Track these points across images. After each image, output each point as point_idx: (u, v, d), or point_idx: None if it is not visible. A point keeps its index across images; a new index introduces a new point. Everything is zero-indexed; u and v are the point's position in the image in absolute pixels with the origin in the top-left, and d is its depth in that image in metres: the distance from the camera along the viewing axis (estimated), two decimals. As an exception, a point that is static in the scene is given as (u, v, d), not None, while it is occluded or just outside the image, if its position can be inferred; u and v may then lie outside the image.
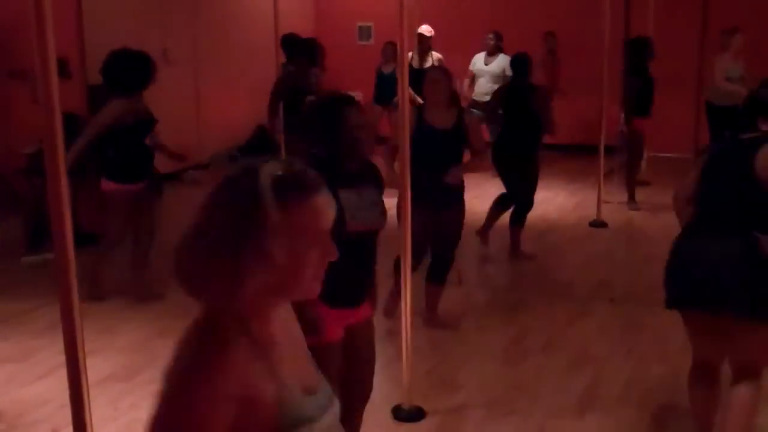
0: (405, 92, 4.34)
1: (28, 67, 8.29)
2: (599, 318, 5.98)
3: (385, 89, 10.81)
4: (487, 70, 10.76)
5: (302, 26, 13.34)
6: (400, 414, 4.46)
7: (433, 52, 10.31)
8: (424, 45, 10.25)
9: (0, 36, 8.54)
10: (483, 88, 10.63)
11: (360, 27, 14.21)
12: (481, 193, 8.34)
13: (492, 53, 10.78)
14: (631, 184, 9.18)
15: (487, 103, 9.22)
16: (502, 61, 10.49)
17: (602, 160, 8.55)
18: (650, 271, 6.97)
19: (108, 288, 6.30)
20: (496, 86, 10.45)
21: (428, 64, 10.01)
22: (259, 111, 11.60)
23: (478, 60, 10.94)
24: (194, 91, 11.58)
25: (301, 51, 8.03)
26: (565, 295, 6.49)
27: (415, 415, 4.48)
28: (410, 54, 10.25)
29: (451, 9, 13.09)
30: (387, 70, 10.92)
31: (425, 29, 10.29)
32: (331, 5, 14.31)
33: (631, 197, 9.13)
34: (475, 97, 10.71)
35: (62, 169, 2.52)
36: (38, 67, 2.45)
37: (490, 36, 10.78)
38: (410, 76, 9.93)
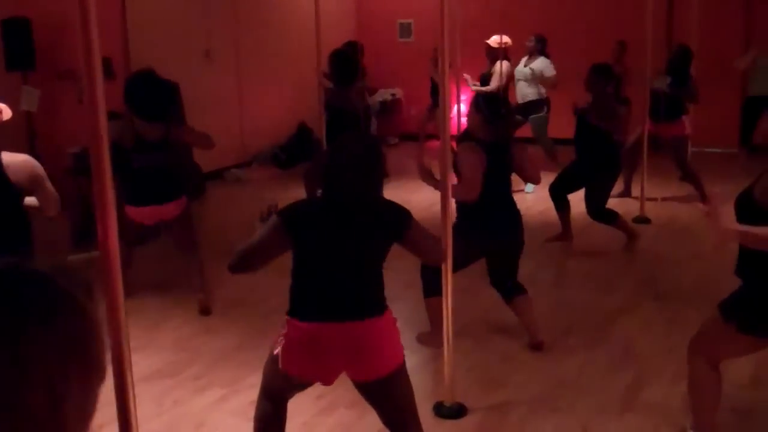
0: (445, 95, 4.29)
1: (74, 68, 8.46)
2: (643, 315, 5.93)
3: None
4: (520, 70, 10.46)
5: (343, 24, 13.41)
6: (441, 411, 4.46)
7: (505, 63, 10.00)
8: (490, 56, 10.10)
9: (47, 37, 8.66)
10: (522, 92, 10.48)
11: (401, 24, 14.22)
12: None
13: (532, 56, 10.50)
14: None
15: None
16: (539, 64, 10.39)
17: (645, 157, 8.52)
18: (695, 268, 6.93)
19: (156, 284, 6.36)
20: (532, 89, 10.39)
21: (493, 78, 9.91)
22: (301, 110, 11.69)
23: (520, 64, 10.62)
24: (237, 91, 11.66)
25: (335, 69, 7.90)
26: (609, 291, 6.45)
27: (457, 411, 4.47)
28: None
29: (494, 9, 13.04)
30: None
31: (493, 40, 10.07)
32: (372, 2, 14.33)
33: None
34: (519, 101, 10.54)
35: (107, 167, 2.55)
36: (83, 67, 2.48)
37: (531, 39, 10.52)
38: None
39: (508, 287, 5.37)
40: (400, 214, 3.45)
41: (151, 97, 5.78)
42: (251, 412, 4.57)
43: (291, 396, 3.65)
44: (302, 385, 3.59)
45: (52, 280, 1.15)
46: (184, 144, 6.32)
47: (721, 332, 3.73)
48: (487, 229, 5.20)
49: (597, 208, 7.37)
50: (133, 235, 6.05)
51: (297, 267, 3.40)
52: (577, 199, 7.57)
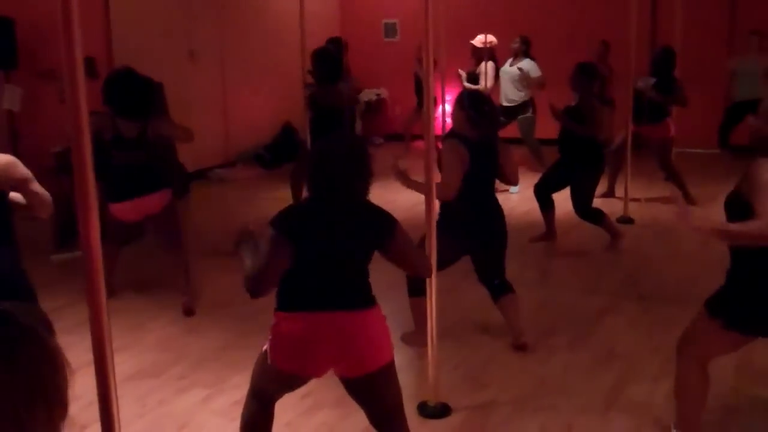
0: (430, 94, 4.29)
1: (55, 67, 8.42)
2: (627, 314, 5.95)
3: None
4: (506, 70, 10.55)
5: (328, 23, 13.39)
6: (425, 410, 4.46)
7: (490, 63, 10.11)
8: (475, 57, 10.14)
9: (28, 36, 8.62)
10: (505, 93, 10.56)
11: (386, 24, 14.22)
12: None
13: (516, 57, 10.57)
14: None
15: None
16: (525, 65, 10.42)
17: (629, 158, 8.56)
18: (678, 268, 6.96)
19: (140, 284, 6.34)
20: (517, 90, 10.43)
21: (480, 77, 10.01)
22: (286, 110, 11.67)
23: (506, 65, 10.68)
24: (221, 91, 11.63)
25: (318, 67, 7.79)
26: (593, 291, 6.47)
27: (441, 411, 4.47)
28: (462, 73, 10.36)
29: (479, 10, 13.07)
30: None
31: (478, 40, 10.09)
32: (357, 2, 14.33)
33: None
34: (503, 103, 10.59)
35: (89, 167, 2.53)
36: (65, 66, 2.47)
37: (516, 40, 10.58)
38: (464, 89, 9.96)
39: (496, 285, 5.37)
40: (385, 221, 3.39)
41: (130, 94, 5.76)
42: (235, 413, 4.57)
43: (279, 397, 3.64)
44: (291, 385, 3.58)
45: (13, 316, 1.15)
46: (167, 142, 6.29)
47: (708, 329, 3.75)
48: (470, 228, 5.20)
49: (583, 207, 7.40)
50: (118, 235, 6.02)
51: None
52: (561, 200, 7.59)
